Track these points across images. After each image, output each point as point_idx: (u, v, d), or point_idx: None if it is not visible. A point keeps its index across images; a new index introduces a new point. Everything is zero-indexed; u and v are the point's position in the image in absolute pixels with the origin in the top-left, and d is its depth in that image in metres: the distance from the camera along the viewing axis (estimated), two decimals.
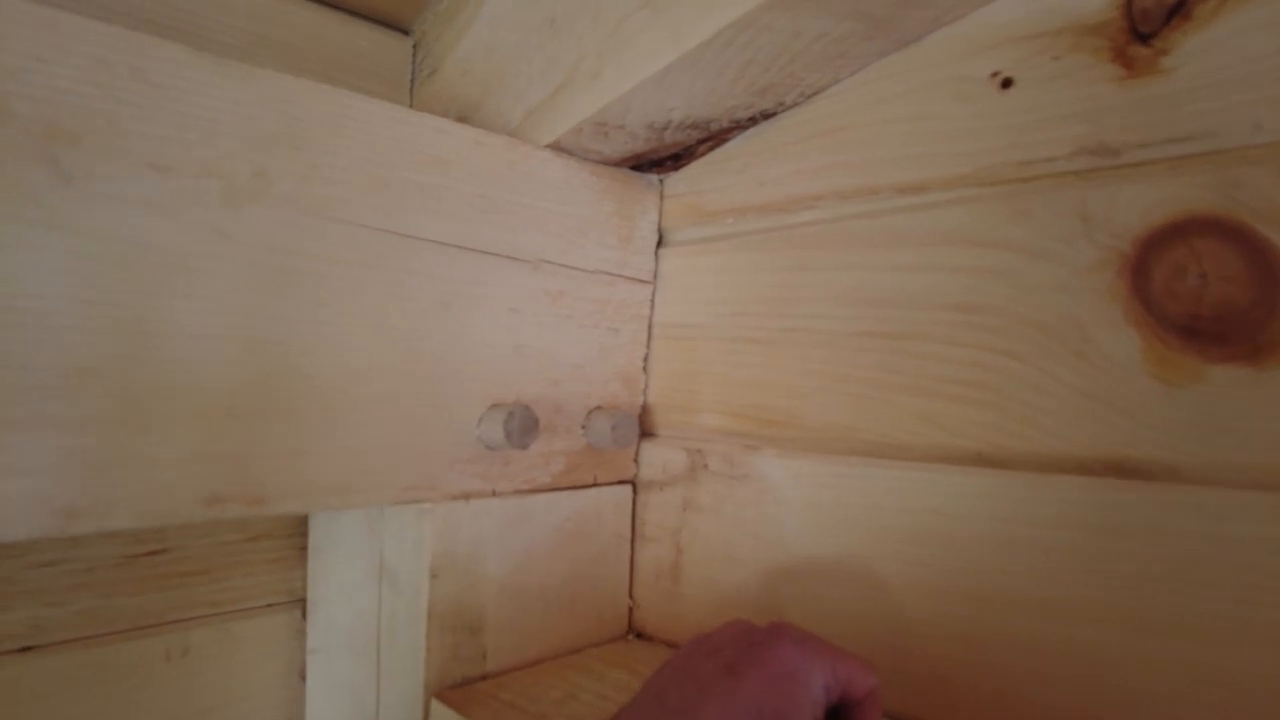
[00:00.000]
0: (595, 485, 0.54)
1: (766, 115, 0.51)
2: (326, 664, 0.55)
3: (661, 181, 0.57)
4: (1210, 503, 0.34)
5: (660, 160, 0.55)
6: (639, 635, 0.56)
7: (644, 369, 0.57)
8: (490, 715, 0.42)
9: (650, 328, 0.57)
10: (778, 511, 0.49)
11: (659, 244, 0.57)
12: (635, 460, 0.57)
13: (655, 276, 0.57)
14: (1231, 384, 0.34)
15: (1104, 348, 0.38)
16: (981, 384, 0.42)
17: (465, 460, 0.46)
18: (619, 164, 0.54)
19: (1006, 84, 0.42)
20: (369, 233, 0.42)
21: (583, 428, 0.52)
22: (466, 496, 0.46)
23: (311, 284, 0.40)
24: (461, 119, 0.56)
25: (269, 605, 0.55)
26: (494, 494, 0.47)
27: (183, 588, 0.50)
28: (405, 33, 0.62)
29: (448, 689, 0.45)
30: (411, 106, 0.61)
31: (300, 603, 0.57)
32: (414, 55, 0.62)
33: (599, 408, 0.53)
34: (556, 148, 0.50)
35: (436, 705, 0.44)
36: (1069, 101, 0.40)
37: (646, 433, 0.57)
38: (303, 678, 0.57)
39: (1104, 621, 0.37)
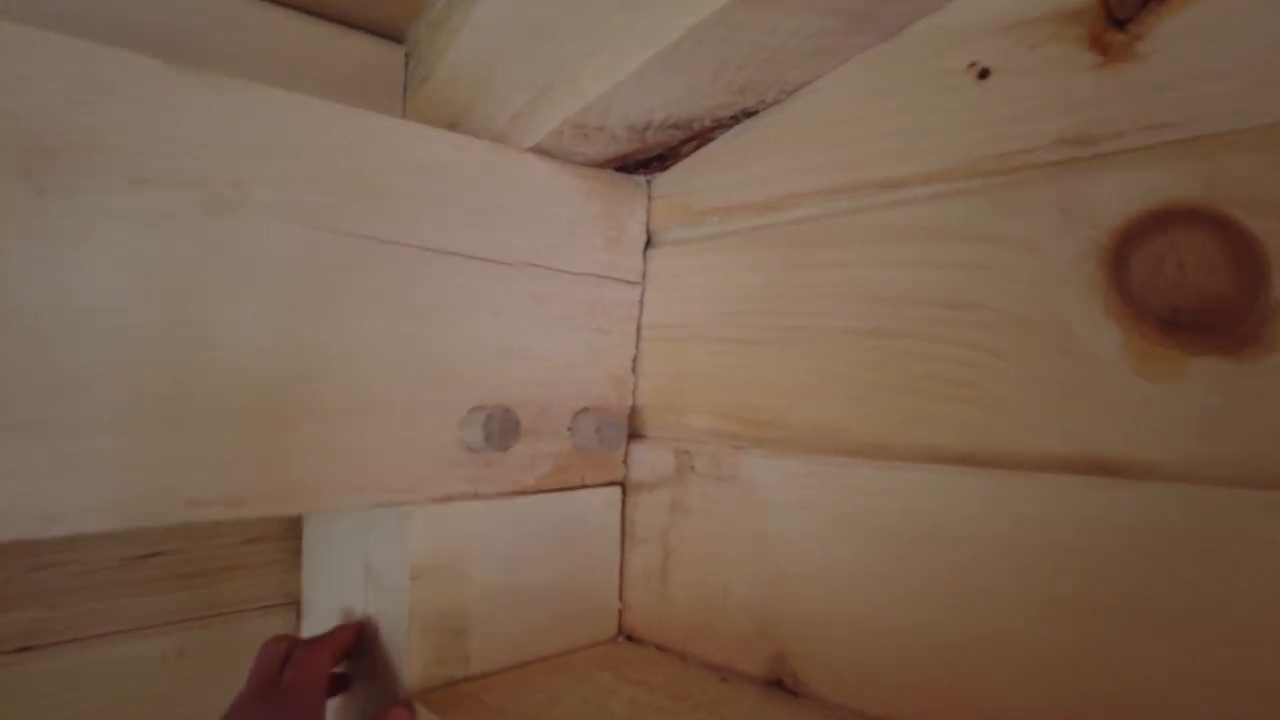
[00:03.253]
0: (584, 487, 0.54)
1: (749, 114, 0.50)
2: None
3: (649, 182, 0.57)
4: (1192, 501, 0.33)
5: (646, 161, 0.55)
6: (629, 638, 0.56)
7: (633, 370, 0.57)
8: (471, 719, 0.42)
9: (640, 329, 0.57)
10: (765, 513, 0.49)
11: (648, 245, 0.57)
12: (625, 462, 0.57)
13: (644, 277, 0.57)
14: (1213, 377, 0.33)
15: (1085, 343, 0.37)
16: (966, 381, 0.41)
17: (448, 463, 0.46)
18: (604, 165, 0.54)
19: (984, 75, 0.41)
20: (350, 239, 0.42)
21: (570, 429, 0.52)
22: (449, 499, 0.46)
23: (291, 290, 0.41)
24: (452, 125, 0.56)
25: (265, 607, 0.56)
26: (477, 496, 0.48)
27: (181, 590, 0.52)
28: (399, 41, 0.63)
29: (430, 691, 0.45)
30: (405, 114, 0.62)
31: (296, 604, 0.57)
32: (407, 63, 0.62)
33: (586, 409, 0.53)
34: (539, 150, 0.50)
35: (420, 709, 0.44)
36: (1047, 91, 0.39)
37: (636, 434, 0.57)
38: None
39: (1092, 621, 0.36)
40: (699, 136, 0.52)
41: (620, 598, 0.56)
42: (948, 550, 0.41)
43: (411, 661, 0.45)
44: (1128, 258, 0.36)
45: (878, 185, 0.45)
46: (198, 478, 0.38)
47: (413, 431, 0.45)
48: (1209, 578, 0.33)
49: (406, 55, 0.62)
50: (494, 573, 0.48)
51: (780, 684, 0.47)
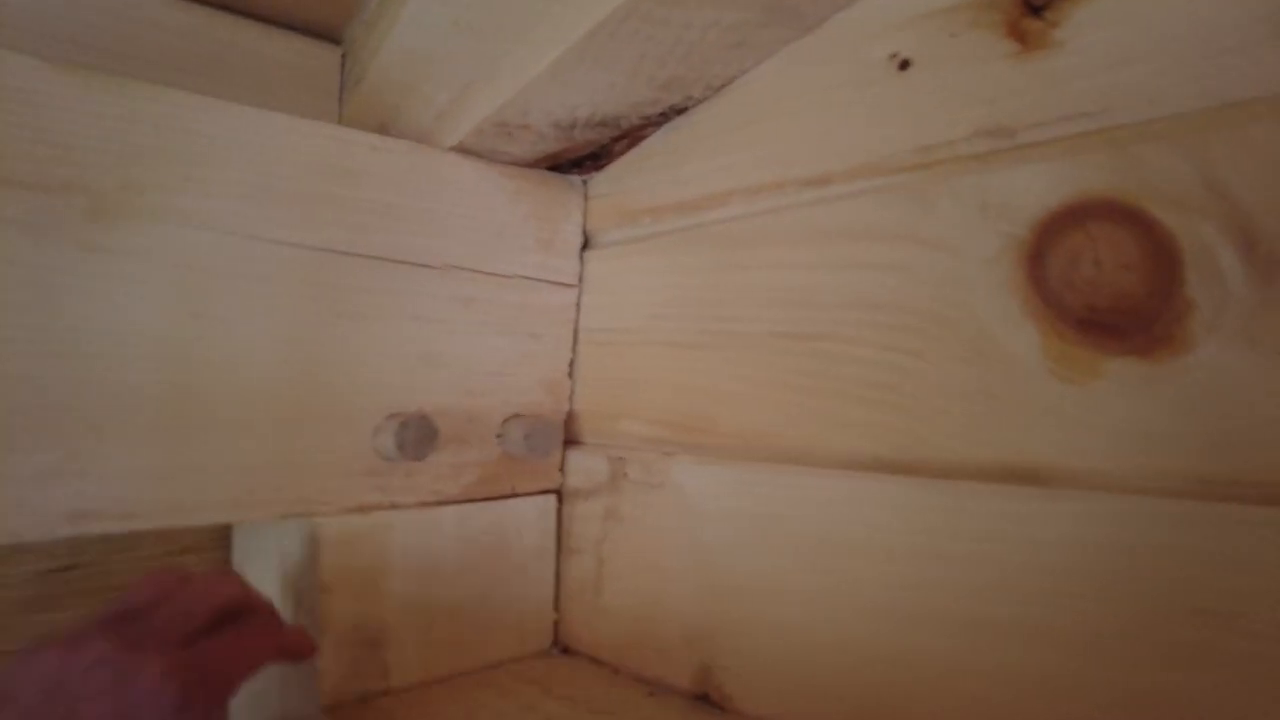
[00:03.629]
0: (515, 496, 0.52)
1: (679, 110, 0.49)
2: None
3: (586, 183, 0.56)
4: (1107, 510, 0.32)
5: (579, 160, 0.53)
6: (566, 650, 0.54)
7: (570, 375, 0.55)
8: None
9: (578, 333, 0.55)
10: (695, 521, 0.47)
11: (585, 246, 0.56)
12: (562, 470, 0.55)
13: (582, 280, 0.55)
14: (1127, 380, 0.32)
15: (1003, 344, 0.35)
16: (887, 385, 0.39)
17: (361, 473, 0.45)
18: (535, 165, 0.53)
19: (905, 65, 0.40)
20: (254, 243, 0.41)
21: (499, 436, 0.51)
22: (364, 509, 0.45)
23: (189, 296, 0.39)
24: (382, 128, 0.55)
25: None
26: (394, 506, 0.46)
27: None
28: (336, 43, 0.62)
29: (344, 705, 0.44)
30: (341, 118, 0.61)
31: None
32: (343, 65, 0.61)
33: (517, 416, 0.51)
34: (463, 150, 0.49)
35: None
36: (967, 81, 0.37)
37: (574, 441, 0.55)
38: None
39: (1011, 638, 0.34)
40: (630, 135, 0.51)
41: (556, 609, 0.55)
42: (868, 562, 0.39)
43: (325, 675, 0.44)
44: (1045, 254, 0.34)
45: (801, 183, 0.43)
46: (80, 491, 0.36)
47: (322, 441, 0.43)
48: (1126, 594, 0.31)
49: (343, 57, 0.61)
50: (413, 585, 0.47)
51: (706, 697, 0.46)
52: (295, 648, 0.38)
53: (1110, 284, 0.32)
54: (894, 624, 0.38)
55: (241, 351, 0.41)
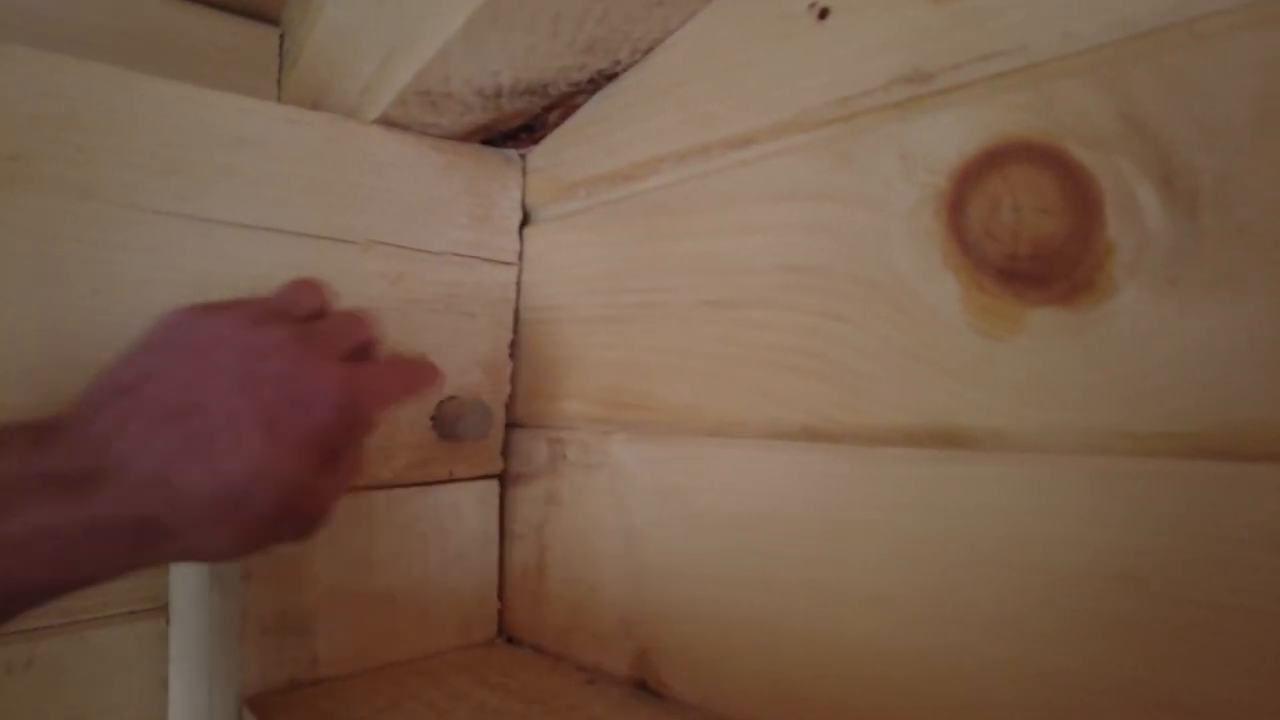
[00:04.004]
0: (453, 480, 0.50)
1: (608, 76, 0.47)
2: (180, 673, 0.52)
3: (524, 157, 0.54)
4: (1040, 475, 0.30)
5: (513, 132, 0.52)
6: (510, 639, 0.53)
7: (511, 356, 0.53)
8: None
9: (518, 312, 0.54)
10: (629, 501, 0.45)
11: (525, 223, 0.54)
12: (503, 453, 0.53)
13: (521, 257, 0.54)
14: (1050, 331, 0.30)
15: (924, 299, 0.33)
16: (811, 351, 0.37)
17: None
18: (467, 138, 0.51)
19: (824, 14, 0.38)
20: (157, 217, 0.40)
21: (432, 419, 0.49)
22: None
23: (86, 271, 0.38)
24: (315, 105, 0.53)
25: (130, 613, 0.53)
26: None
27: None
28: (274, 24, 0.60)
29: (266, 694, 0.43)
30: (279, 98, 0.59)
31: (164, 609, 0.55)
32: (281, 46, 0.60)
33: (453, 398, 0.50)
34: (387, 122, 0.48)
35: (246, 712, 0.41)
36: (885, 26, 0.35)
37: (516, 424, 0.54)
38: (166, 688, 0.55)
39: (935, 618, 0.32)
40: (562, 104, 0.49)
41: (500, 597, 0.53)
42: (794, 539, 0.37)
43: (247, 664, 0.42)
44: (965, 203, 0.32)
45: (727, 144, 0.42)
46: None
47: None
48: (1057, 565, 0.29)
49: (281, 37, 0.60)
50: (342, 571, 0.45)
51: (644, 684, 0.44)
52: (426, 381, 0.38)
53: (1030, 229, 0.30)
54: (817, 605, 0.36)
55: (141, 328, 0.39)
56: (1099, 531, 0.28)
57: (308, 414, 0.31)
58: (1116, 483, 0.28)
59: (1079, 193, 0.29)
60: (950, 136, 0.33)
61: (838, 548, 0.35)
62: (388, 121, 0.48)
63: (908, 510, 0.33)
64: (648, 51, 0.45)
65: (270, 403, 0.30)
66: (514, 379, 0.54)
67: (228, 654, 0.44)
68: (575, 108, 0.50)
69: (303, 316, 0.35)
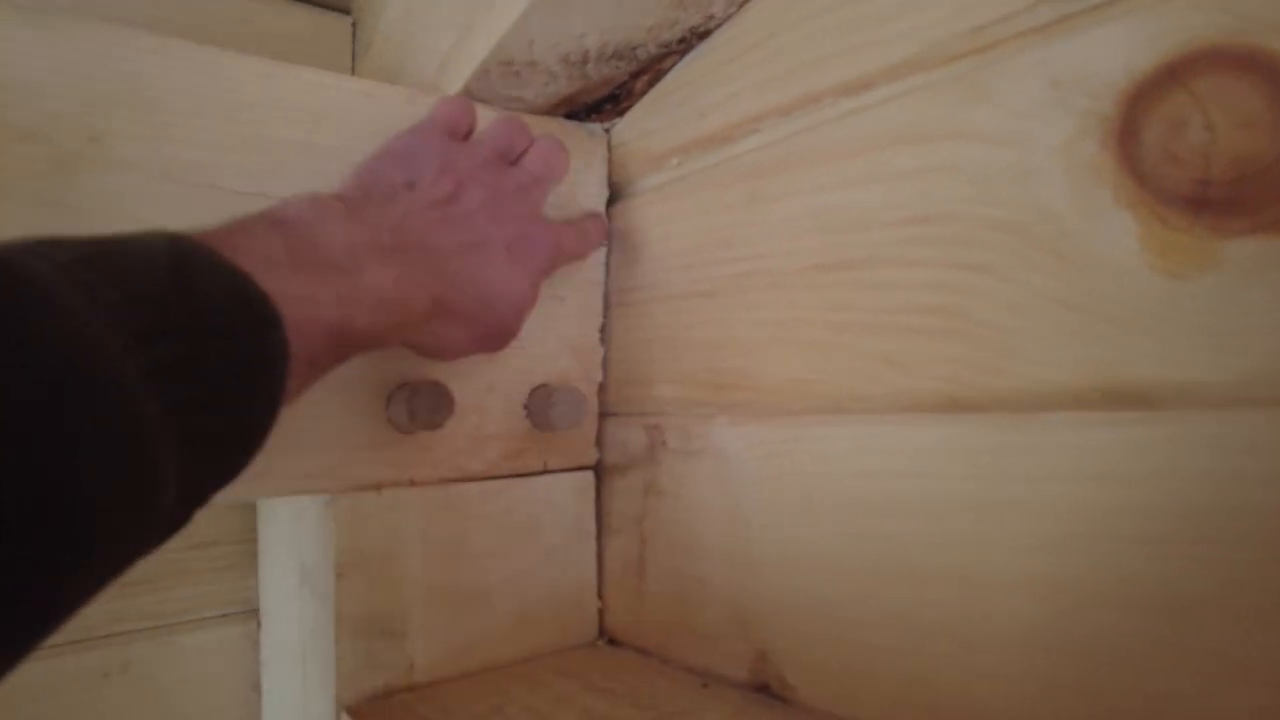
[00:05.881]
0: (546, 472, 0.48)
1: (700, 34, 0.44)
2: (273, 677, 0.51)
3: (608, 131, 0.51)
4: (1236, 433, 0.25)
5: (598, 104, 0.49)
6: (612, 641, 0.50)
7: (601, 341, 0.51)
8: None
9: (608, 294, 0.51)
10: (736, 488, 0.42)
11: (612, 200, 0.51)
12: (598, 443, 0.51)
13: (610, 236, 0.51)
14: (1255, 263, 0.25)
15: (1088, 242, 0.29)
16: (946, 310, 0.33)
17: (371, 446, 0.41)
18: (550, 112, 0.49)
19: None
20: (233, 196, 0.38)
21: (525, 408, 0.47)
22: (378, 486, 0.41)
23: None
24: None
25: (222, 615, 0.52)
26: (413, 483, 0.43)
27: (120, 599, 0.48)
28: (346, 13, 0.59)
29: (363, 701, 0.40)
30: None
31: (255, 612, 0.54)
32: (354, 34, 0.59)
33: (544, 385, 0.47)
34: (468, 97, 0.45)
35: (345, 719, 0.39)
36: None
37: (609, 412, 0.51)
38: (259, 691, 0.54)
39: (1114, 602, 0.28)
40: (650, 69, 0.46)
41: (599, 596, 0.50)
42: (934, 521, 0.33)
43: (340, 669, 0.40)
44: (1140, 128, 0.28)
45: (838, 91, 0.38)
46: None
47: (328, 410, 0.40)
48: (1243, 537, 0.24)
49: (353, 25, 0.59)
50: (436, 569, 0.43)
51: (767, 688, 0.40)
52: (599, 237, 0.49)
53: (1227, 149, 0.26)
54: (963, 596, 0.32)
55: None
56: None
57: (536, 253, 0.41)
58: None
59: None
60: (1114, 54, 0.28)
61: (994, 530, 0.31)
62: (468, 96, 0.45)
63: (1071, 481, 0.29)
64: (744, 3, 0.42)
65: (514, 237, 0.39)
66: (605, 365, 0.51)
67: (323, 658, 0.42)
68: (663, 72, 0.47)
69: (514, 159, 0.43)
